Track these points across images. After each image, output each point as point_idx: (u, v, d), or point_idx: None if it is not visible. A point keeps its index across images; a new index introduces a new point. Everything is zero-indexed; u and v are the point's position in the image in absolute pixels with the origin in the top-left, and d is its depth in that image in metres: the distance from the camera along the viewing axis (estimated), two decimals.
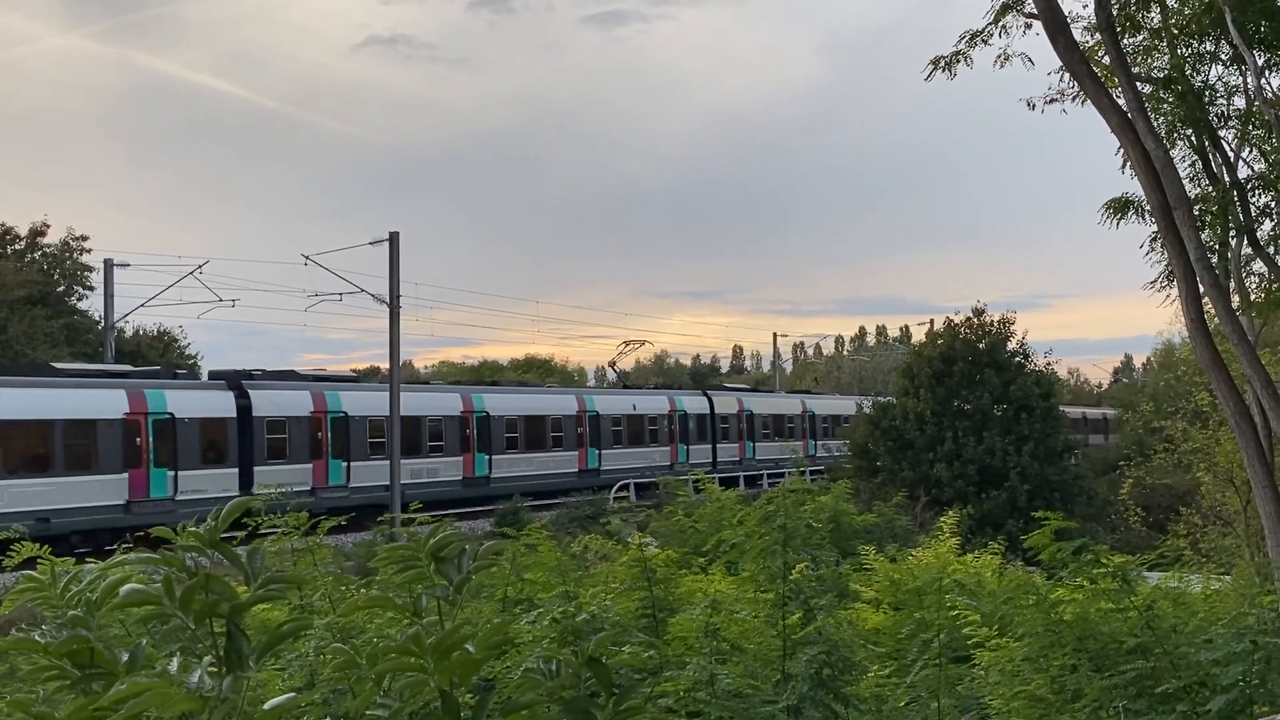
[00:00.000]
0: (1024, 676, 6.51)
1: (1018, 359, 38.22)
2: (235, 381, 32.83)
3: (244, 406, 32.13)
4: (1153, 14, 15.02)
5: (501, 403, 40.74)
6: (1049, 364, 39.91)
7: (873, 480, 34.71)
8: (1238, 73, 14.95)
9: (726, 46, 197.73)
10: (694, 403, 49.69)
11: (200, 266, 38.15)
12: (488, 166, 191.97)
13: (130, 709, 1.84)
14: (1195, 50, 14.85)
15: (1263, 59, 14.15)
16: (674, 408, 48.04)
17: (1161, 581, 7.93)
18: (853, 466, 36.77)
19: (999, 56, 13.91)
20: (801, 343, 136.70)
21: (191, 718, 1.88)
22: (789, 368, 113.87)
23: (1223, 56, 14.89)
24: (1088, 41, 14.51)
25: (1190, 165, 15.37)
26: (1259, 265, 16.05)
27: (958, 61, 13.97)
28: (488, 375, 77.23)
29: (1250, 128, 15.15)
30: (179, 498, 29.72)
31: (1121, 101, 12.69)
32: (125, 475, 28.97)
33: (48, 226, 51.17)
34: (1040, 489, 34.57)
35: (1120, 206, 15.28)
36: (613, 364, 56.40)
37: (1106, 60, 13.74)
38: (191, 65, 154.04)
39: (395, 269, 35.78)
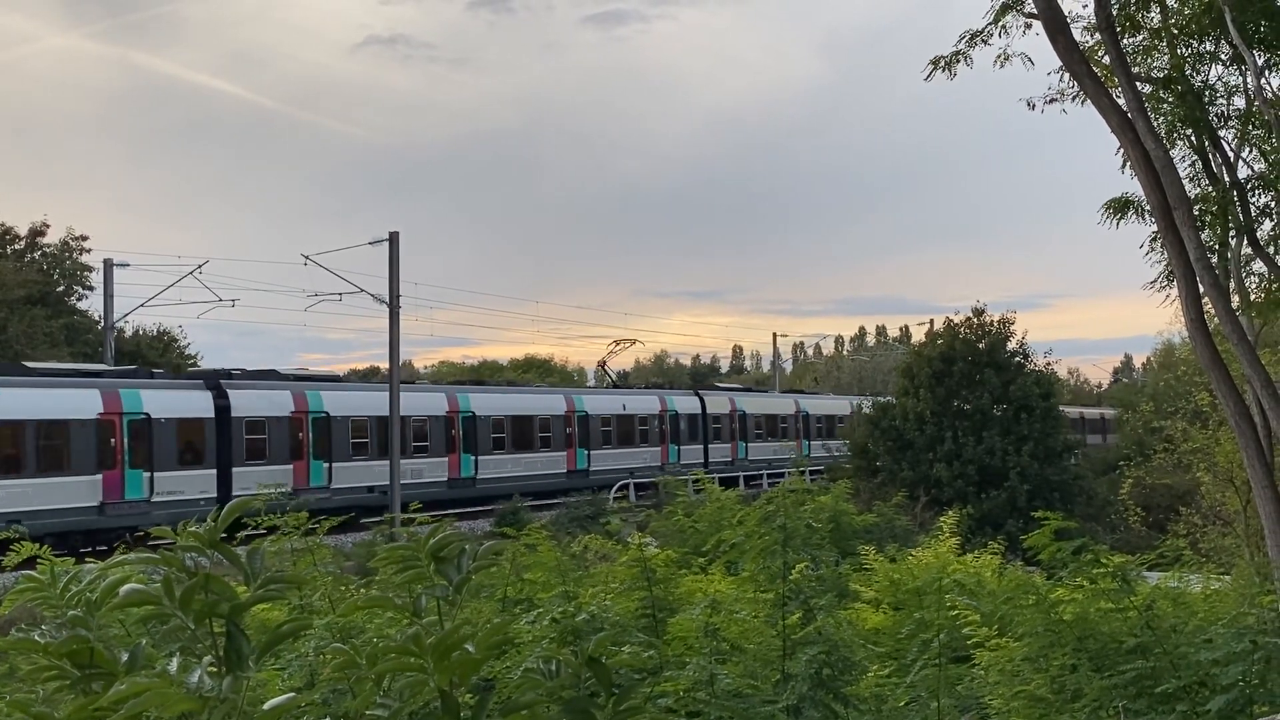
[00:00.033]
0: (1024, 676, 6.51)
1: (1017, 359, 38.25)
2: (214, 381, 32.31)
3: (222, 406, 31.52)
4: (1153, 14, 15.03)
5: (488, 402, 40.40)
6: (1049, 364, 40.02)
7: (872, 480, 34.72)
8: (1238, 73, 14.96)
9: (726, 46, 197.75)
10: (685, 403, 49.32)
11: (200, 266, 38.14)
12: (488, 166, 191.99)
13: (130, 709, 1.84)
14: (1195, 50, 14.85)
15: (1262, 59, 14.16)
16: (665, 408, 47.66)
17: (1161, 581, 7.93)
18: (852, 466, 36.78)
19: (999, 56, 13.93)
20: (801, 343, 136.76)
21: (191, 718, 1.88)
22: (789, 368, 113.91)
23: (1222, 56, 14.89)
24: (1088, 41, 14.52)
25: (1190, 165, 15.39)
26: (1259, 265, 16.05)
27: (957, 61, 13.98)
28: (488, 375, 77.23)
29: (1250, 128, 15.15)
30: (155, 500, 29.20)
31: (1121, 101, 12.69)
32: (99, 477, 28.36)
33: (47, 226, 51.36)
34: (1040, 489, 34.59)
35: (1120, 206, 15.29)
36: (603, 364, 55.97)
37: (1106, 60, 13.74)
38: (191, 65, 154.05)
39: (395, 269, 35.79)
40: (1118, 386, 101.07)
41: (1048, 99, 15.24)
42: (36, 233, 51.03)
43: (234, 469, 31.14)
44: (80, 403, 28.39)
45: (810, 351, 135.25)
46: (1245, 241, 15.42)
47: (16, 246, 50.65)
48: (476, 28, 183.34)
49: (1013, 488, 34.44)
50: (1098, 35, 13.87)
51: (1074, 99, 14.75)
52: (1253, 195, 14.99)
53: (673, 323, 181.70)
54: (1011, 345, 38.42)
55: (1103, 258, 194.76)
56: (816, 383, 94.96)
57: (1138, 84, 13.28)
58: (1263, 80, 14.18)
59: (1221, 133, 15.27)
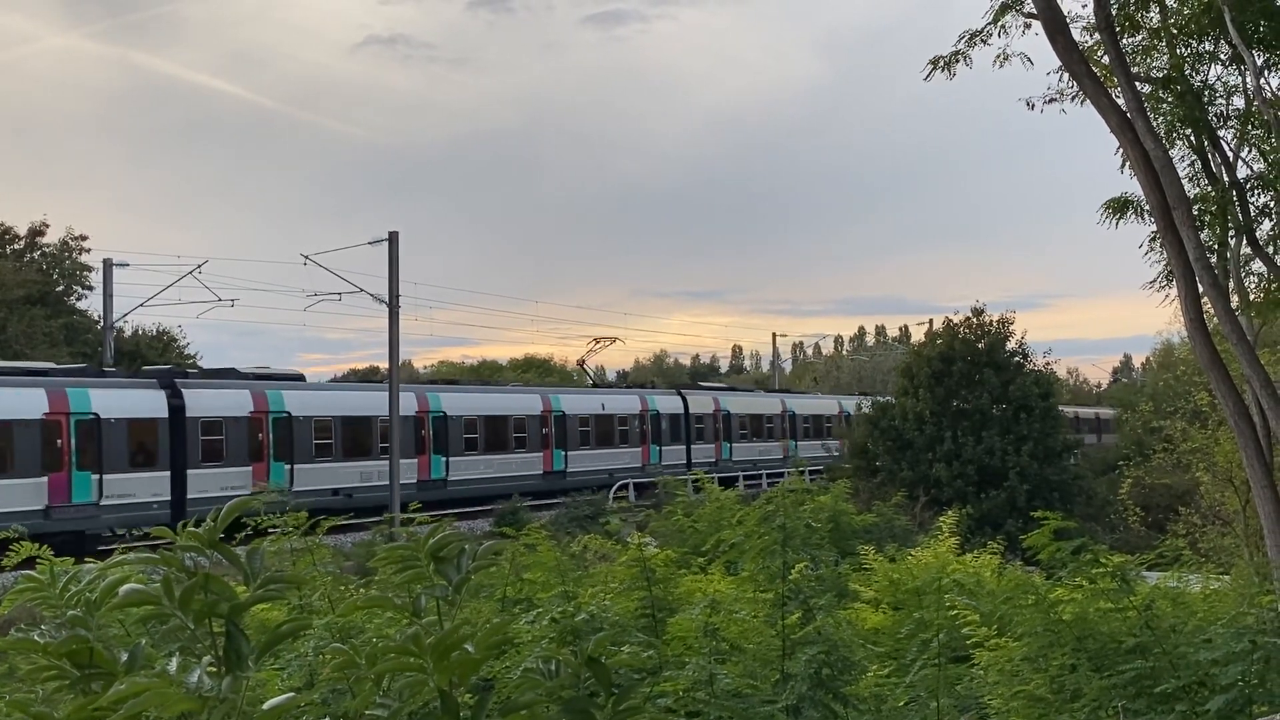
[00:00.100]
0: (1023, 676, 6.51)
1: (1017, 359, 38.29)
2: (168, 380, 31.39)
3: (177, 406, 30.51)
4: (1152, 14, 15.04)
5: (460, 402, 39.49)
6: (1048, 364, 40.08)
7: (872, 480, 34.73)
8: (1237, 73, 14.97)
9: (726, 46, 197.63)
10: (667, 402, 48.22)
11: (199, 266, 38.10)
12: (488, 166, 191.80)
13: (129, 709, 1.84)
14: (1195, 50, 14.87)
15: (1262, 59, 14.17)
16: (646, 407, 46.48)
17: (1160, 581, 7.93)
18: (852, 466, 36.79)
19: (998, 56, 13.94)
20: (801, 343, 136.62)
21: (191, 718, 1.88)
22: (789, 368, 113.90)
23: (1222, 56, 14.91)
24: (1087, 41, 14.54)
25: (1190, 165, 15.40)
26: (1258, 265, 16.05)
27: (957, 61, 13.99)
28: (488, 375, 77.19)
29: (1249, 128, 15.16)
30: (104, 503, 28.33)
31: (1121, 101, 12.70)
32: (44, 479, 27.40)
33: (47, 226, 51.33)
34: (1039, 489, 34.60)
35: (1120, 206, 15.30)
36: (581, 362, 55.17)
37: (1106, 60, 13.75)
38: (191, 65, 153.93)
39: (395, 269, 35.77)
40: (1117, 386, 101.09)
41: (1047, 99, 15.27)
42: (36, 232, 51.06)
43: (189, 471, 30.18)
44: (24, 402, 27.39)
45: (810, 351, 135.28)
46: (1244, 241, 15.43)
47: (16, 246, 50.65)
48: (476, 28, 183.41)
49: (1012, 488, 34.47)
50: (1097, 35, 13.88)
51: (1073, 99, 14.77)
52: (1252, 195, 15.00)
53: (672, 323, 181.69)
54: (1011, 345, 38.47)
55: (1102, 258, 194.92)
56: (816, 382, 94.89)
57: (1137, 84, 13.29)
58: (1262, 80, 14.19)
59: (1221, 133, 15.29)
